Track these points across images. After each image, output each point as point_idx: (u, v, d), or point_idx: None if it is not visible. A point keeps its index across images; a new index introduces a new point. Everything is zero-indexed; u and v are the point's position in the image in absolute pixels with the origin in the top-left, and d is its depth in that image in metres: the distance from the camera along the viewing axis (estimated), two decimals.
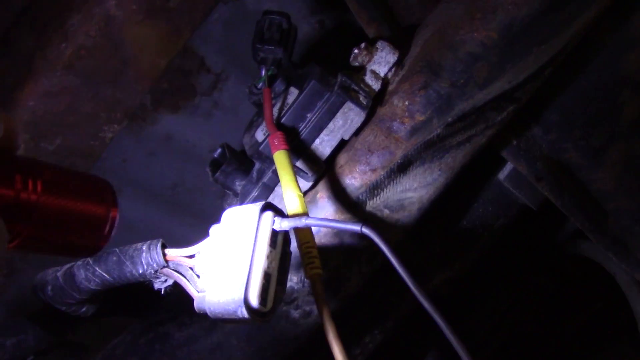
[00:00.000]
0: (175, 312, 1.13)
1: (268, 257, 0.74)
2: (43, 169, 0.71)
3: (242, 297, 0.69)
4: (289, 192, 0.86)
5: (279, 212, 0.78)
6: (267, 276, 0.73)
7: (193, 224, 1.66)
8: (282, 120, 1.02)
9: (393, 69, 1.08)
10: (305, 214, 0.82)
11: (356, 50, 1.09)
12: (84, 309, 0.97)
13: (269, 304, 0.73)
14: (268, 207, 0.77)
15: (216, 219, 0.81)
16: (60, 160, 1.16)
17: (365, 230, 0.72)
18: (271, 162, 1.00)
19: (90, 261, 0.88)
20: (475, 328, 1.68)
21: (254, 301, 0.71)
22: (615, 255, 1.39)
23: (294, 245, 0.81)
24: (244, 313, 0.69)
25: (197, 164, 1.57)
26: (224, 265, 0.74)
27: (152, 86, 1.32)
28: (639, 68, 1.25)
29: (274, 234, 0.76)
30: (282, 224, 0.75)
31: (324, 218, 1.00)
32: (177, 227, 1.66)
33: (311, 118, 1.02)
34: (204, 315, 0.75)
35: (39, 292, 0.94)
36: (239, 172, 1.09)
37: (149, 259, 0.82)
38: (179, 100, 1.50)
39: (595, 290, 1.98)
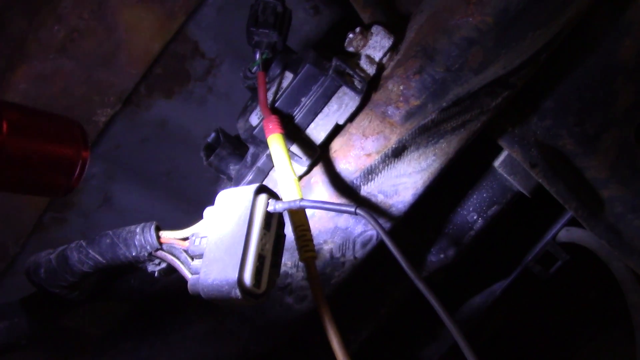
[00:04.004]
0: (168, 296, 1.13)
1: (262, 239, 0.74)
2: (9, 109, 0.70)
3: (236, 278, 0.69)
4: (284, 175, 0.86)
5: (274, 195, 0.78)
6: (261, 258, 0.73)
7: (187, 210, 1.66)
8: (277, 105, 1.02)
9: (388, 54, 1.08)
10: (299, 197, 0.82)
11: (351, 35, 1.09)
12: (77, 292, 0.97)
13: (263, 285, 0.73)
14: (262, 189, 0.77)
15: (211, 204, 0.81)
16: None
17: (360, 212, 0.72)
18: (265, 146, 0.99)
19: (84, 243, 0.87)
20: (469, 314, 1.68)
21: (248, 282, 0.71)
22: (609, 243, 1.39)
23: (288, 229, 0.81)
24: (238, 294, 0.69)
25: (191, 149, 1.56)
26: (218, 247, 0.74)
27: (146, 71, 1.32)
28: (633, 55, 1.25)
29: (268, 216, 0.75)
30: (277, 206, 0.75)
31: (319, 200, 1.00)
32: (171, 213, 1.65)
33: (306, 102, 1.01)
34: (197, 300, 0.75)
35: (32, 274, 0.94)
36: (233, 156, 1.09)
37: (143, 241, 0.82)
38: (173, 86, 1.49)
39: (589, 279, 1.99)
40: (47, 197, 0.85)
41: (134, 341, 1.13)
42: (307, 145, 1.02)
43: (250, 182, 1.04)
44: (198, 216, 0.82)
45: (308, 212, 0.83)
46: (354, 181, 1.04)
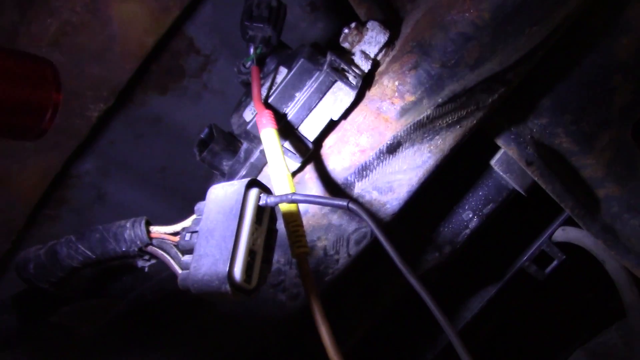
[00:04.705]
0: (160, 294, 1.12)
1: (253, 233, 0.73)
2: None
3: (226, 272, 0.68)
4: (276, 169, 0.85)
5: (265, 189, 0.77)
6: (252, 253, 0.72)
7: (181, 207, 1.65)
8: (271, 100, 1.01)
9: (383, 50, 1.07)
10: (292, 192, 0.81)
11: (346, 30, 1.08)
12: (67, 289, 0.96)
13: (254, 281, 0.72)
14: (254, 183, 0.76)
15: (203, 200, 0.80)
16: (46, 137, 1.14)
17: (352, 206, 0.71)
18: (259, 141, 0.98)
19: (73, 238, 0.87)
20: (464, 314, 1.68)
21: (238, 277, 0.70)
22: (605, 243, 1.39)
23: (280, 225, 0.80)
24: (227, 289, 0.68)
25: (185, 146, 1.55)
26: (208, 242, 0.73)
27: (140, 66, 1.31)
28: (631, 53, 1.25)
29: (260, 210, 0.75)
30: (268, 200, 0.74)
31: (311, 195, 0.99)
32: (165, 210, 1.64)
33: (300, 97, 1.00)
34: (190, 298, 0.74)
35: (21, 270, 0.93)
36: (227, 151, 1.08)
37: (133, 236, 0.82)
38: (168, 82, 1.48)
39: (585, 278, 1.98)
40: (18, 140, 0.82)
41: (125, 339, 1.13)
42: (300, 141, 1.01)
43: (243, 178, 1.03)
44: (191, 213, 0.81)
45: (302, 208, 0.82)
46: (348, 177, 1.03)
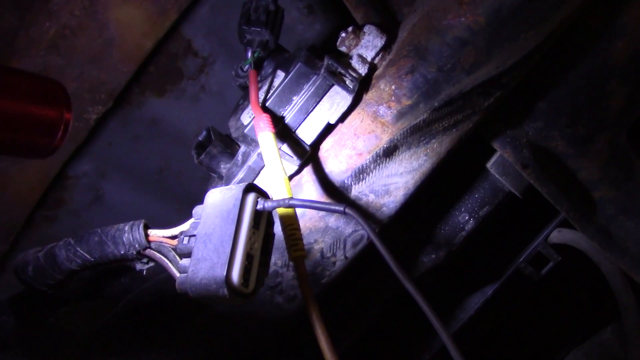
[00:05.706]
0: (157, 295, 1.13)
1: (251, 238, 0.74)
2: None
3: (224, 277, 0.69)
4: (274, 174, 0.85)
5: (263, 194, 0.77)
6: (249, 257, 0.73)
7: (179, 209, 1.65)
8: (268, 103, 1.01)
9: (380, 53, 1.07)
10: (289, 196, 0.82)
11: (343, 34, 1.09)
12: (65, 291, 0.96)
13: (251, 285, 0.73)
14: (251, 188, 0.76)
15: (201, 202, 0.81)
16: None
17: (349, 211, 0.72)
18: (256, 145, 0.99)
19: (72, 241, 0.87)
20: (460, 315, 1.68)
21: (236, 281, 0.70)
22: (600, 245, 1.40)
23: (278, 228, 0.80)
24: (225, 293, 0.69)
25: (183, 148, 1.56)
26: (206, 246, 0.74)
27: (138, 69, 1.31)
28: (626, 57, 1.25)
29: (257, 214, 0.75)
30: (266, 205, 0.75)
31: (308, 199, 1.00)
32: (163, 212, 1.65)
33: (297, 101, 1.01)
34: (187, 300, 0.75)
35: (20, 272, 0.93)
36: (224, 154, 1.08)
37: (131, 239, 0.82)
38: (166, 84, 1.48)
39: (580, 280, 1.99)
40: (30, 158, 0.84)
41: (122, 340, 1.13)
42: (298, 144, 1.02)
43: (240, 181, 1.04)
44: (189, 215, 0.82)
45: (298, 211, 0.83)
46: (345, 181, 1.03)
